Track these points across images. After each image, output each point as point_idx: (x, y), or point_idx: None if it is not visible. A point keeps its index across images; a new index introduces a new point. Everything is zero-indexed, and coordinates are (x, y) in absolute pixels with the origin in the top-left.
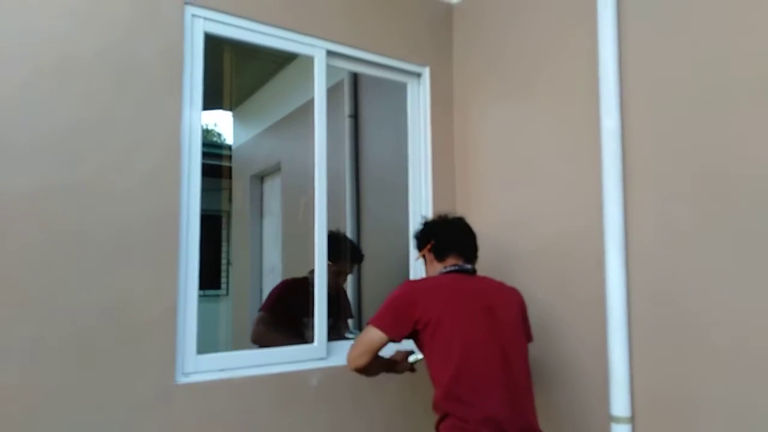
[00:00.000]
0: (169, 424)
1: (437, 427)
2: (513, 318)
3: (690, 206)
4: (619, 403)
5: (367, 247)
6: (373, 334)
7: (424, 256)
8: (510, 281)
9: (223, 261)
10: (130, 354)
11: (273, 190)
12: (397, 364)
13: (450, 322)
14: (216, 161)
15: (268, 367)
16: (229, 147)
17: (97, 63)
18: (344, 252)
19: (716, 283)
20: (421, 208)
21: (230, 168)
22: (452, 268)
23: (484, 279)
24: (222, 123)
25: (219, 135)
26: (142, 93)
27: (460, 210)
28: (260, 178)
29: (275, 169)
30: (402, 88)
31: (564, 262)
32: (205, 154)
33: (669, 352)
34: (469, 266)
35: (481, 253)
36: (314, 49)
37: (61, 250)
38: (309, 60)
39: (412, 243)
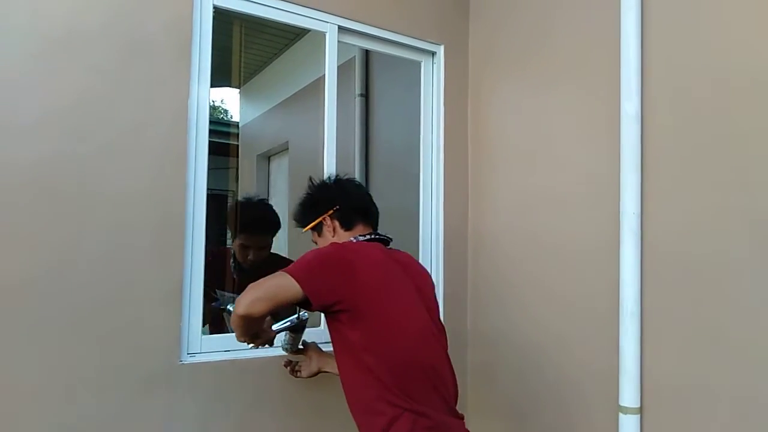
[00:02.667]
0: (173, 404)
1: (387, 428)
2: (435, 299)
3: (708, 196)
4: (629, 394)
5: None
6: (286, 282)
7: (319, 225)
8: (523, 267)
9: (229, 241)
10: (136, 333)
11: (280, 169)
12: (259, 334)
13: (390, 304)
14: (223, 139)
15: (273, 348)
16: (237, 125)
17: (103, 37)
18: (252, 222)
19: (731, 276)
20: (432, 192)
21: (237, 146)
22: (370, 237)
23: (405, 254)
24: (229, 100)
25: (225, 112)
26: (149, 68)
27: (473, 194)
28: (267, 157)
29: (283, 149)
30: (415, 67)
31: (578, 249)
32: (211, 132)
33: (681, 343)
34: (389, 237)
35: (493, 238)
36: (326, 24)
37: (66, 227)
38: (319, 36)
39: (298, 213)
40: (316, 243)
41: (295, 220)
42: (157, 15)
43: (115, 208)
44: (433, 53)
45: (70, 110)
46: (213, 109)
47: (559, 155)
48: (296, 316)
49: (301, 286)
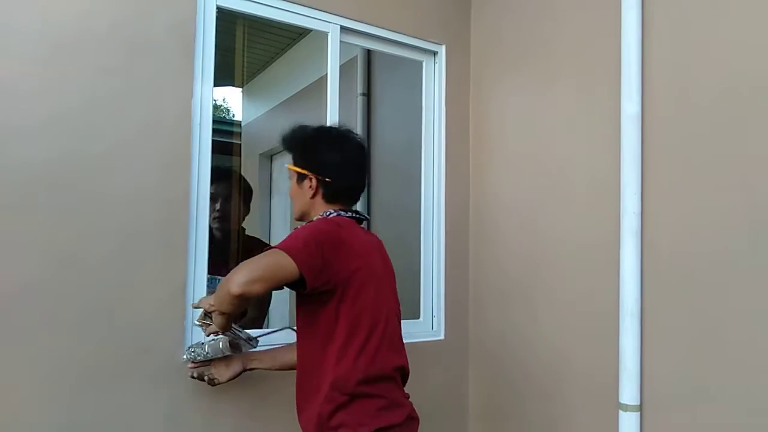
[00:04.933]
0: (176, 403)
1: (332, 415)
2: (393, 279)
3: (708, 196)
4: (629, 391)
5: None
6: (283, 261)
7: (302, 176)
8: (524, 266)
9: None
10: (140, 332)
11: (283, 168)
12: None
13: (371, 288)
14: (225, 138)
15: (276, 346)
16: (239, 124)
17: (109, 39)
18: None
19: (731, 275)
20: (433, 192)
21: (240, 146)
22: (348, 215)
23: (373, 235)
24: (231, 99)
25: (228, 111)
26: (153, 68)
27: (474, 194)
28: (270, 156)
29: None
30: (416, 67)
31: (579, 248)
32: (214, 131)
33: (681, 341)
34: (366, 216)
35: (494, 237)
36: (328, 24)
37: (73, 227)
38: (321, 36)
39: (291, 143)
40: (289, 184)
41: (284, 143)
42: (162, 16)
43: (120, 207)
44: (435, 53)
45: (78, 111)
46: (215, 108)
47: (560, 155)
48: (252, 337)
49: (298, 265)
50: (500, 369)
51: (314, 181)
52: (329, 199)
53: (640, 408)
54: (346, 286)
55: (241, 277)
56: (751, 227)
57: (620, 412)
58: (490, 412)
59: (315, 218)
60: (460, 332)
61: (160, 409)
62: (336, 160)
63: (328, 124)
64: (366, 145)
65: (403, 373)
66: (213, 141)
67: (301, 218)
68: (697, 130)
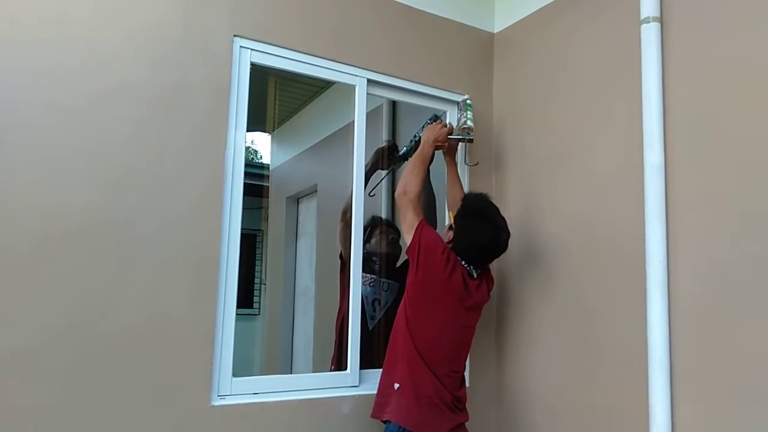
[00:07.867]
0: None
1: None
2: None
3: (735, 246)
4: None
5: None
6: (411, 228)
7: (451, 226)
8: (548, 316)
9: (256, 280)
10: (169, 375)
11: (309, 211)
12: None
13: (433, 312)
14: (255, 181)
15: (301, 392)
16: (268, 167)
17: (151, 90)
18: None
19: (762, 324)
20: None
21: (267, 188)
22: (462, 262)
23: (481, 283)
24: (259, 141)
25: (255, 153)
26: (191, 119)
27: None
28: (296, 199)
29: (312, 191)
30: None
31: (604, 299)
32: (244, 174)
33: (713, 393)
34: (476, 274)
35: (518, 285)
36: (355, 78)
37: (108, 269)
38: (348, 87)
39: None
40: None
41: (466, 197)
42: (200, 71)
43: (155, 253)
44: (458, 103)
45: (119, 158)
46: (245, 150)
47: (583, 204)
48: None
49: (414, 237)
50: (525, 421)
51: (451, 234)
52: (456, 251)
53: None
54: (423, 286)
55: (408, 201)
56: None
57: None
58: None
59: None
60: (485, 381)
61: None
62: (468, 239)
63: (496, 205)
64: (504, 240)
65: None
66: (243, 183)
67: None
68: (720, 178)
